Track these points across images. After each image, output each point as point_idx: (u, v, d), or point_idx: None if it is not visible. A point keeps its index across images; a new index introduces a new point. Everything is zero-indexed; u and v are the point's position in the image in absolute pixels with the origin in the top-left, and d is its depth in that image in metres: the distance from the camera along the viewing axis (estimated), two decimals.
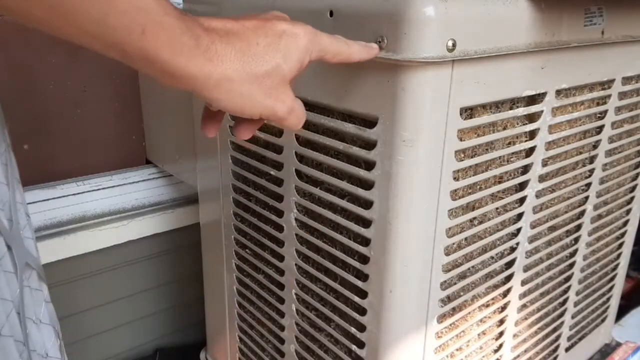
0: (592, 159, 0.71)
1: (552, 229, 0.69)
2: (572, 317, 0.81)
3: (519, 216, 0.62)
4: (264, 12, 0.43)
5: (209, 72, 0.34)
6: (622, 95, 0.70)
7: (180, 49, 0.32)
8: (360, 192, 0.52)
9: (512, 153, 0.58)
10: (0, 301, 0.40)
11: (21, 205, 0.49)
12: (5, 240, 0.42)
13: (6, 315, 0.40)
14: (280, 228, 0.65)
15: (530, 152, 0.60)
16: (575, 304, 0.81)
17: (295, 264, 0.64)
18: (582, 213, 0.73)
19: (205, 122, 0.44)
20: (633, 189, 0.83)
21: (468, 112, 0.51)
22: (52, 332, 0.51)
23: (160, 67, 0.33)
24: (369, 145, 0.50)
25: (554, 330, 0.79)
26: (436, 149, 0.49)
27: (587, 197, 0.72)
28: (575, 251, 0.75)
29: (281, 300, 0.69)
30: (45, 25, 0.30)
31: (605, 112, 0.69)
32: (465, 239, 0.56)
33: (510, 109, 0.55)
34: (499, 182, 0.58)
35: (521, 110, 0.56)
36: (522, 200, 0.61)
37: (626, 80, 0.70)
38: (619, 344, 0.95)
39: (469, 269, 0.58)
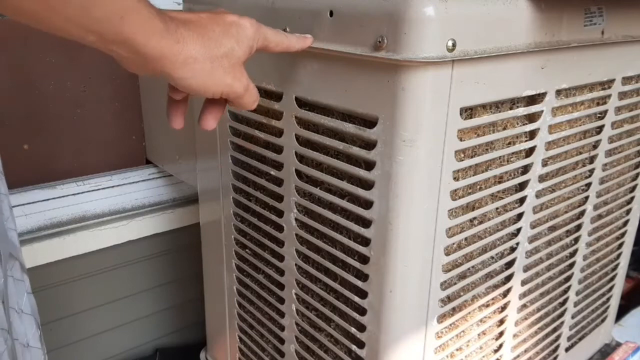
0: (592, 159, 0.71)
1: (552, 229, 0.69)
2: (572, 317, 0.81)
3: (519, 216, 0.62)
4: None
5: (177, 52, 0.39)
6: (622, 95, 0.70)
7: (152, 31, 0.37)
8: (360, 192, 0.52)
9: (512, 153, 0.58)
10: None
11: (5, 197, 0.50)
12: None
13: None
14: (280, 228, 0.65)
15: (530, 152, 0.60)
16: (575, 304, 0.81)
17: (295, 264, 0.64)
18: (582, 213, 0.73)
19: (170, 112, 0.50)
20: (633, 189, 0.83)
21: (468, 112, 0.51)
22: (34, 322, 0.52)
23: (135, 49, 0.37)
24: (369, 145, 0.50)
25: (554, 330, 0.79)
26: (436, 149, 0.49)
27: (587, 197, 0.72)
28: (575, 251, 0.75)
29: (281, 300, 0.69)
30: (34, 19, 0.33)
31: (605, 112, 0.69)
32: (465, 239, 0.56)
33: (510, 109, 0.55)
34: (499, 182, 0.58)
35: (521, 110, 0.56)
36: (522, 200, 0.61)
37: (626, 80, 0.70)
38: (619, 344, 0.95)
39: (469, 269, 0.58)
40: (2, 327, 0.42)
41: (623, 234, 0.86)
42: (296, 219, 0.62)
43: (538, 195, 0.63)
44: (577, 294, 0.80)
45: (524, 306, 0.69)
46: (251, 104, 0.48)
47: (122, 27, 0.35)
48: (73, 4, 0.33)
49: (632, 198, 0.83)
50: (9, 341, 0.43)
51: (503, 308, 0.66)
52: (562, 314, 0.78)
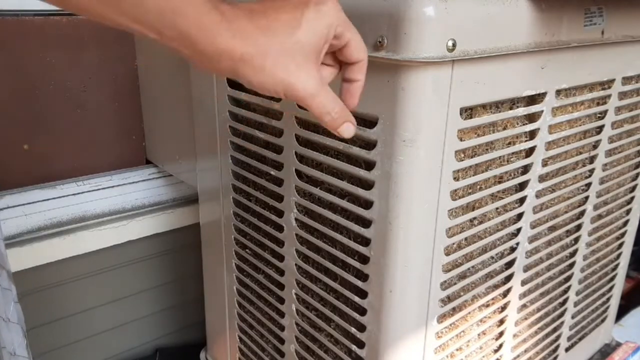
0: (592, 159, 0.71)
1: (552, 229, 0.69)
2: (572, 317, 0.81)
3: (519, 216, 0.62)
4: None
5: (233, 47, 0.35)
6: (622, 95, 0.70)
7: (206, 26, 0.34)
8: (360, 192, 0.52)
9: (512, 153, 0.58)
10: None
11: None
12: None
13: None
14: (280, 228, 0.65)
15: (530, 152, 0.60)
16: (575, 304, 0.81)
17: (295, 264, 0.64)
18: (582, 213, 0.73)
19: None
20: (633, 189, 0.83)
21: (468, 112, 0.51)
22: (20, 331, 0.52)
23: (192, 46, 0.35)
24: (369, 145, 0.50)
25: (554, 330, 0.79)
26: (436, 149, 0.49)
27: (587, 197, 0.72)
28: (575, 251, 0.75)
29: (281, 300, 0.69)
30: (92, 13, 0.34)
31: (605, 112, 0.69)
32: (465, 239, 0.56)
33: (510, 109, 0.55)
34: (499, 182, 0.58)
35: (521, 110, 0.56)
36: (522, 200, 0.61)
37: (626, 80, 0.70)
38: (619, 344, 0.95)
39: (469, 269, 0.58)
40: None
41: (623, 234, 0.86)
42: (296, 219, 0.62)
43: (538, 195, 0.63)
44: (577, 294, 0.80)
45: (524, 306, 0.69)
46: (322, 115, 0.40)
47: (175, 21, 0.34)
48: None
49: (632, 198, 0.83)
50: None
51: (503, 308, 0.66)
52: (562, 314, 0.78)
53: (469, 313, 0.61)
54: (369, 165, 0.51)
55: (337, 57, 0.42)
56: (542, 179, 0.63)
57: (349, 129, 0.42)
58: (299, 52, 0.37)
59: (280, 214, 0.64)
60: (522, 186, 0.61)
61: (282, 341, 0.71)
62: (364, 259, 0.54)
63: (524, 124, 0.58)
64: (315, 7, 0.38)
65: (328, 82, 0.42)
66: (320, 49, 0.39)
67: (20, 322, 0.53)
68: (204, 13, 0.34)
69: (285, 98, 0.39)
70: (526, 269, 0.67)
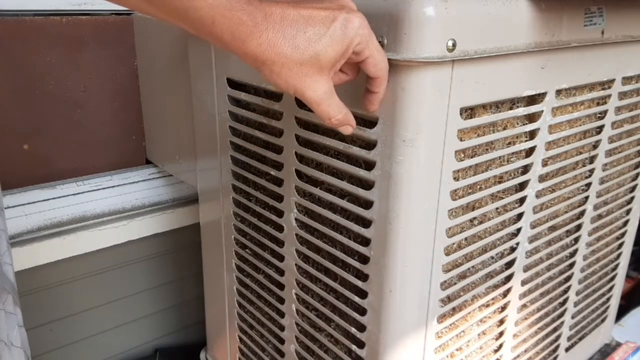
0: (592, 159, 0.71)
1: (552, 229, 0.69)
2: (572, 317, 0.81)
3: (519, 216, 0.62)
4: None
5: (257, 54, 0.41)
6: (622, 95, 0.70)
7: (238, 35, 0.40)
8: (360, 192, 0.52)
9: (512, 153, 0.58)
10: None
11: (3, 233, 0.51)
12: None
13: None
14: (280, 228, 0.65)
15: (530, 152, 0.60)
16: (575, 304, 0.81)
17: (295, 264, 0.64)
18: (582, 213, 0.73)
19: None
20: (633, 189, 0.83)
21: (468, 112, 0.51)
22: (23, 355, 0.53)
23: (225, 46, 0.41)
24: (369, 145, 0.50)
25: (554, 330, 0.79)
26: (436, 149, 0.49)
27: (587, 197, 0.72)
28: (575, 251, 0.75)
29: (281, 300, 0.69)
30: (140, 10, 0.40)
31: (605, 112, 0.69)
32: (465, 239, 0.56)
33: (510, 109, 0.55)
34: (499, 182, 0.58)
35: (521, 110, 0.56)
36: (522, 200, 0.61)
37: (626, 80, 0.70)
38: (619, 344, 0.95)
39: (469, 269, 0.58)
40: None
41: (623, 234, 0.86)
42: (296, 219, 0.62)
43: (538, 195, 0.63)
44: (577, 294, 0.80)
45: (524, 306, 0.69)
46: (325, 119, 0.45)
47: (213, 29, 0.40)
48: (171, 6, 0.38)
49: (632, 198, 0.83)
50: None
51: (503, 308, 0.66)
52: (562, 314, 0.78)
53: (469, 313, 0.61)
54: (369, 165, 0.51)
55: (356, 66, 0.46)
56: (542, 179, 0.63)
57: (347, 129, 0.47)
58: (315, 65, 0.42)
59: (280, 214, 0.64)
60: (522, 186, 0.61)
61: (282, 341, 0.71)
62: (364, 259, 0.54)
63: (524, 124, 0.58)
64: (343, 23, 0.42)
65: (338, 85, 0.46)
66: (335, 64, 0.43)
67: (24, 347, 0.54)
68: (237, 25, 0.40)
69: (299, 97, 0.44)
70: (526, 269, 0.67)
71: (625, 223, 0.85)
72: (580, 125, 0.66)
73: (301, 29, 0.41)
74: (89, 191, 1.02)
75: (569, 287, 0.77)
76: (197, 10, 0.38)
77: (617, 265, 0.88)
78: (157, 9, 0.39)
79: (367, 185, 0.52)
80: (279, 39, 0.41)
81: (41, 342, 0.98)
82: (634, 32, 0.66)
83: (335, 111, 0.45)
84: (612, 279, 0.89)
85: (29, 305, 0.94)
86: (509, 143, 0.57)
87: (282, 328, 0.70)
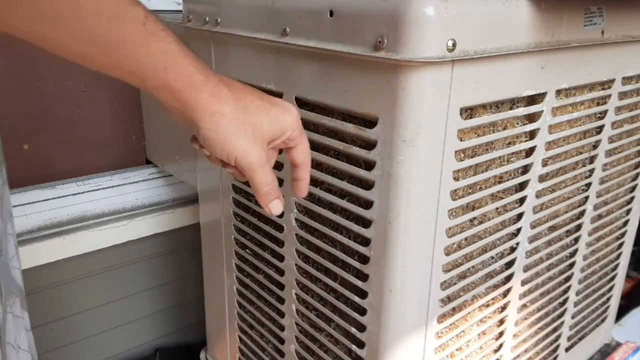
0: (592, 159, 0.71)
1: (552, 229, 0.69)
2: (572, 317, 0.81)
3: (519, 216, 0.62)
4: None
5: (210, 104, 0.41)
6: (622, 95, 0.70)
7: (192, 83, 0.40)
8: (360, 192, 0.52)
9: (512, 153, 0.58)
10: None
11: (11, 237, 0.52)
12: None
13: None
14: (280, 228, 0.65)
15: (530, 152, 0.60)
16: (575, 304, 0.81)
17: (295, 264, 0.64)
18: (582, 213, 0.73)
19: (231, 173, 0.51)
20: (633, 189, 0.83)
21: (468, 112, 0.51)
22: (30, 359, 0.53)
23: (173, 95, 0.40)
24: (369, 145, 0.50)
25: (554, 330, 0.79)
26: (436, 149, 0.49)
27: (587, 197, 0.72)
28: (575, 251, 0.75)
29: (281, 300, 0.69)
30: (88, 62, 0.39)
31: (605, 112, 0.69)
32: (465, 239, 0.56)
33: (510, 109, 0.55)
34: (499, 182, 0.58)
35: (521, 110, 0.56)
36: (522, 200, 0.61)
37: (626, 80, 0.70)
38: (619, 344, 0.95)
39: (469, 269, 0.58)
40: None
41: (623, 234, 0.86)
42: (296, 219, 0.62)
43: (538, 195, 0.63)
44: (577, 294, 0.80)
45: (524, 306, 0.69)
46: (261, 186, 0.46)
47: (165, 76, 0.39)
48: (122, 52, 0.37)
49: (632, 198, 0.83)
50: None
51: (503, 308, 0.66)
52: (562, 314, 0.78)
53: (469, 313, 0.61)
54: (369, 165, 0.51)
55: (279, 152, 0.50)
56: (542, 179, 0.63)
57: (277, 205, 0.48)
58: (259, 132, 0.44)
59: (280, 214, 0.64)
60: (522, 186, 0.61)
61: (282, 341, 0.71)
62: (364, 259, 0.54)
63: (524, 124, 0.58)
64: (284, 109, 0.46)
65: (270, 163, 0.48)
66: (274, 139, 0.46)
67: (31, 350, 0.54)
68: (191, 74, 0.40)
69: (233, 164, 0.44)
70: (526, 269, 0.67)
71: (625, 223, 0.85)
72: (580, 125, 0.66)
73: (249, 98, 0.44)
74: (89, 191, 1.02)
75: (569, 287, 0.77)
76: (150, 56, 0.38)
77: (617, 265, 0.88)
78: (107, 61, 0.38)
79: (367, 185, 0.52)
80: (231, 98, 0.42)
81: (41, 342, 0.98)
82: (634, 32, 0.66)
83: (270, 178, 0.46)
84: (612, 279, 0.89)
85: (29, 305, 0.94)
86: (509, 143, 0.57)
87: (282, 328, 0.70)
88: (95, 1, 0.35)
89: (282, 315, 0.70)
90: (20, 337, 0.53)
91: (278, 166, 0.63)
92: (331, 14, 0.50)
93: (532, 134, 0.59)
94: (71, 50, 0.37)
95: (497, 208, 0.59)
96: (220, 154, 0.44)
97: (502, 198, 0.59)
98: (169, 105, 0.42)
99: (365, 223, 0.53)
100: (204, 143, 0.44)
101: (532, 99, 0.57)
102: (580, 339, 0.87)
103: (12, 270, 0.52)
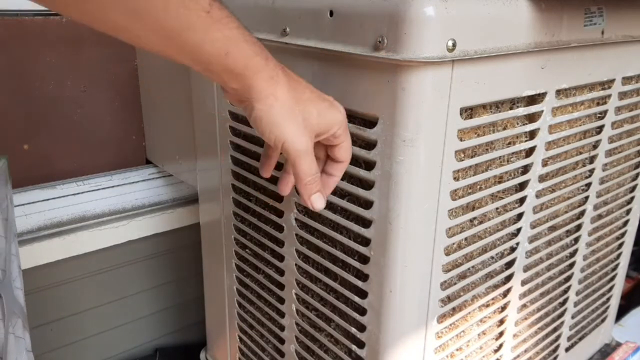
0: (592, 159, 0.71)
1: (552, 229, 0.69)
2: (572, 317, 0.81)
3: (519, 216, 0.62)
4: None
5: (267, 86, 0.43)
6: (622, 95, 0.70)
7: (251, 66, 0.42)
8: (360, 192, 0.52)
9: (512, 153, 0.58)
10: None
11: (15, 258, 0.52)
12: None
13: None
14: (280, 228, 0.65)
15: (530, 152, 0.60)
16: (575, 304, 0.81)
17: (295, 264, 0.64)
18: (582, 213, 0.73)
19: (263, 162, 0.54)
20: (633, 189, 0.83)
21: (468, 112, 0.51)
22: None
23: (233, 77, 0.42)
24: (369, 145, 0.50)
25: (554, 330, 0.79)
26: (436, 149, 0.49)
27: (587, 197, 0.72)
28: (575, 251, 0.75)
29: (281, 300, 0.69)
30: (159, 51, 0.40)
31: (605, 112, 0.69)
32: (465, 239, 0.56)
33: (510, 109, 0.55)
34: (499, 182, 0.58)
35: (521, 110, 0.56)
36: (522, 200, 0.61)
37: (626, 80, 0.70)
38: (619, 344, 0.95)
39: (469, 269, 0.58)
40: None
41: (623, 234, 0.86)
42: (296, 219, 0.62)
43: (538, 195, 0.63)
44: (577, 294, 0.80)
45: (524, 306, 0.69)
46: (306, 174, 0.46)
47: (226, 61, 0.41)
48: (187, 40, 0.39)
49: (632, 198, 0.83)
50: None
51: (503, 308, 0.66)
52: (562, 314, 0.78)
53: (469, 313, 0.61)
54: (369, 165, 0.51)
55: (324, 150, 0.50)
56: (542, 179, 0.63)
57: (319, 199, 0.49)
58: (308, 122, 0.45)
59: (280, 214, 0.64)
60: (522, 186, 0.61)
61: (282, 341, 0.71)
62: (364, 259, 0.54)
63: (524, 124, 0.58)
64: (332, 105, 0.47)
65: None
66: (321, 134, 0.46)
67: None
68: (251, 57, 0.42)
69: (280, 147, 0.45)
70: (526, 269, 0.67)
71: (625, 223, 0.85)
72: (580, 125, 0.66)
73: (303, 88, 0.45)
74: (89, 191, 1.02)
75: (569, 287, 0.77)
76: (213, 43, 0.40)
77: (617, 265, 0.88)
78: (173, 47, 0.40)
79: (367, 185, 0.52)
80: (286, 83, 0.44)
81: (41, 342, 0.98)
82: (634, 32, 0.66)
83: (315, 167, 0.47)
84: (612, 279, 0.89)
85: (29, 305, 0.94)
86: (509, 143, 0.57)
87: (282, 328, 0.70)
88: None
89: (282, 315, 0.70)
90: (21, 357, 0.54)
91: (278, 166, 0.63)
92: (331, 14, 0.50)
93: (532, 134, 0.59)
94: (140, 38, 0.39)
95: (497, 208, 0.59)
96: (268, 137, 0.45)
97: (502, 198, 0.59)
98: (228, 87, 0.43)
99: (365, 223, 0.53)
100: (254, 123, 0.44)
101: (532, 99, 0.57)
102: (580, 339, 0.87)
103: (14, 290, 0.53)
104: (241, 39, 0.41)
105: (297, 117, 0.44)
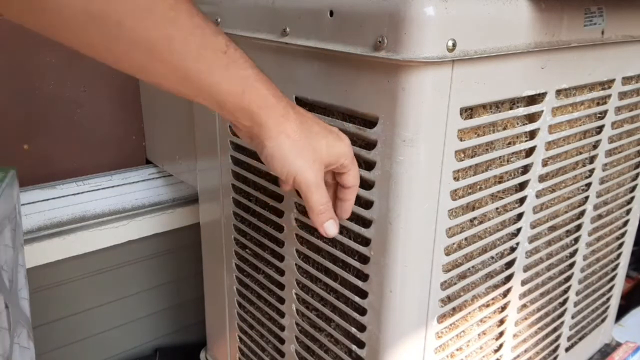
0: (592, 159, 0.71)
1: (552, 229, 0.69)
2: (572, 317, 0.81)
3: (519, 216, 0.62)
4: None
5: (279, 123, 0.44)
6: (622, 95, 0.70)
7: (266, 105, 0.44)
8: (360, 192, 0.52)
9: (512, 153, 0.58)
10: None
11: (22, 268, 0.53)
12: (4, 299, 0.46)
13: None
14: (280, 228, 0.65)
15: (530, 152, 0.60)
16: (575, 304, 0.81)
17: (295, 264, 0.64)
18: (582, 213, 0.73)
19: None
20: (633, 189, 0.83)
21: (468, 112, 0.51)
22: None
23: (247, 115, 0.44)
24: (369, 145, 0.50)
25: (554, 330, 0.79)
26: (436, 149, 0.49)
27: (587, 197, 0.72)
28: (575, 251, 0.75)
29: (281, 300, 0.69)
30: (173, 91, 0.42)
31: (605, 112, 0.69)
32: (465, 239, 0.56)
33: (510, 109, 0.55)
34: (499, 182, 0.58)
35: (521, 110, 0.56)
36: (522, 200, 0.61)
37: (626, 80, 0.70)
38: (619, 344, 0.95)
39: (469, 269, 0.58)
40: None
41: (623, 234, 0.86)
42: (296, 219, 0.62)
43: (538, 195, 0.63)
44: (577, 294, 0.80)
45: (524, 306, 0.69)
46: (317, 205, 0.48)
47: (242, 99, 0.42)
48: (205, 79, 0.40)
49: (632, 198, 0.83)
50: None
51: (503, 308, 0.66)
52: (562, 314, 0.78)
53: (469, 313, 0.61)
54: (369, 165, 0.51)
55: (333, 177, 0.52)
56: (542, 179, 0.63)
57: (332, 226, 0.50)
58: (318, 154, 0.47)
59: (280, 214, 0.64)
60: (522, 186, 0.61)
61: (282, 341, 0.71)
62: (364, 259, 0.54)
63: (524, 124, 0.58)
64: (338, 136, 0.49)
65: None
66: (330, 165, 0.48)
67: None
68: (265, 96, 0.43)
69: (292, 181, 0.47)
70: (526, 269, 0.67)
71: (625, 223, 0.85)
72: (580, 125, 0.66)
73: (311, 123, 0.47)
74: (89, 191, 1.02)
75: (569, 287, 0.77)
76: (230, 82, 0.41)
77: (617, 265, 0.88)
78: (190, 86, 0.41)
79: (367, 185, 0.52)
80: (297, 121, 0.45)
81: (41, 342, 0.98)
82: (634, 32, 0.66)
83: (326, 197, 0.49)
84: (612, 279, 0.89)
85: (29, 305, 0.94)
86: (509, 143, 0.57)
87: (282, 328, 0.70)
88: (184, 36, 0.38)
89: (282, 315, 0.70)
90: None
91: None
92: (331, 14, 0.50)
93: (532, 134, 0.59)
94: (158, 77, 0.40)
95: (497, 208, 0.59)
96: (280, 172, 0.46)
97: (502, 198, 0.59)
98: (240, 124, 0.45)
99: (366, 223, 0.53)
100: (266, 160, 0.46)
101: (532, 99, 0.57)
102: (580, 339, 0.87)
103: (20, 301, 0.53)
104: (256, 78, 0.43)
105: (307, 151, 0.46)
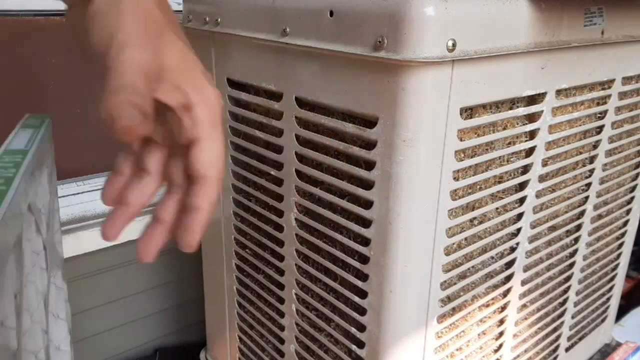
0: (592, 159, 0.71)
1: (552, 229, 0.69)
2: (572, 317, 0.81)
3: (519, 216, 0.62)
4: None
5: None
6: (622, 95, 0.70)
7: None
8: (360, 192, 0.52)
9: (512, 153, 0.58)
10: (34, 292, 0.44)
11: (56, 212, 0.54)
12: (43, 241, 0.47)
13: (37, 305, 0.45)
14: (280, 228, 0.65)
15: (530, 152, 0.60)
16: (575, 304, 0.81)
17: (295, 264, 0.64)
18: (582, 213, 0.73)
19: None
20: (633, 189, 0.83)
21: (468, 112, 0.51)
22: (66, 327, 0.56)
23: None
24: (369, 145, 0.50)
25: (554, 330, 0.79)
26: (436, 149, 0.49)
27: (587, 197, 0.72)
28: (575, 251, 0.75)
29: (281, 300, 0.69)
30: None
31: (605, 112, 0.69)
32: (465, 239, 0.56)
33: (510, 109, 0.55)
34: (499, 182, 0.58)
35: (521, 110, 0.56)
36: (522, 200, 0.61)
37: (626, 80, 0.70)
38: (619, 344, 0.95)
39: (469, 269, 0.58)
40: (42, 328, 0.46)
41: (623, 234, 0.86)
42: (296, 219, 0.62)
43: (538, 195, 0.63)
44: (577, 294, 0.80)
45: (524, 306, 0.69)
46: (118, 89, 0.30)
47: None
48: None
49: (632, 198, 0.83)
50: (46, 341, 0.47)
51: (503, 308, 0.66)
52: (562, 314, 0.78)
53: (469, 313, 0.61)
54: (369, 165, 0.51)
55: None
56: (542, 179, 0.63)
57: (130, 118, 0.30)
58: (163, 52, 0.31)
59: (280, 214, 0.64)
60: (522, 186, 0.61)
61: (282, 341, 0.71)
62: (364, 259, 0.54)
63: (524, 124, 0.58)
64: (207, 75, 0.33)
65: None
66: (167, 82, 0.32)
67: (67, 320, 0.58)
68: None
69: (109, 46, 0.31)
70: (526, 269, 0.67)
71: (625, 223, 0.85)
72: (580, 125, 0.66)
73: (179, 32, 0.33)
74: (89, 191, 1.01)
75: (569, 287, 0.77)
76: None
77: (617, 265, 0.88)
78: None
79: (367, 185, 0.52)
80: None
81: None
82: (634, 32, 0.66)
83: (138, 75, 0.31)
84: (612, 279, 0.89)
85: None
86: (509, 143, 0.57)
87: (282, 328, 0.70)
88: None
89: (282, 315, 0.70)
90: (60, 306, 0.56)
91: (278, 166, 0.63)
92: (331, 14, 0.50)
93: (532, 134, 0.59)
94: None
95: (497, 208, 0.59)
96: (97, 34, 0.32)
97: (502, 198, 0.59)
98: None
99: (365, 223, 0.53)
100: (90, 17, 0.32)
101: (532, 99, 0.57)
102: (580, 339, 0.87)
103: (57, 244, 0.55)
104: None
105: (151, 31, 0.31)
